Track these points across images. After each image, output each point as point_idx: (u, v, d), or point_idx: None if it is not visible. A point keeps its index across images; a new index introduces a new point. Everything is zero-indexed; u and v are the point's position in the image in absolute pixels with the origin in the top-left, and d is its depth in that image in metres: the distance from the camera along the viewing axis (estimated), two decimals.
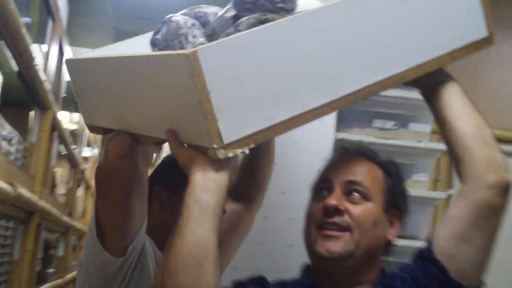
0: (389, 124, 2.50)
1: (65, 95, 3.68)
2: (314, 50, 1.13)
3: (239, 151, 1.04)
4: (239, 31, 1.23)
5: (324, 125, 2.32)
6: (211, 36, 1.36)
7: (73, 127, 5.66)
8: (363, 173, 1.32)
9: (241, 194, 1.75)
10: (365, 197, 1.29)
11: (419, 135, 2.47)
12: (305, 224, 1.32)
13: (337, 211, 1.26)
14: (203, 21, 1.44)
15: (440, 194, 2.41)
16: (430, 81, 1.37)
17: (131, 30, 4.16)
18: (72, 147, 4.28)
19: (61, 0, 3.52)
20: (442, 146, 2.38)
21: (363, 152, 1.38)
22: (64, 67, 2.46)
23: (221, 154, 1.02)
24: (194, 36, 1.34)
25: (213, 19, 1.42)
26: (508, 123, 3.76)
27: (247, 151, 1.04)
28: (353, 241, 1.24)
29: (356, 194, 1.29)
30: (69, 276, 4.55)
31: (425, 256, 1.30)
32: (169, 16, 1.40)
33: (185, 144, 1.11)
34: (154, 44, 1.41)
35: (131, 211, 1.31)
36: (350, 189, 1.29)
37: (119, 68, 1.23)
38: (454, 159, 1.33)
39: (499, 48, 3.81)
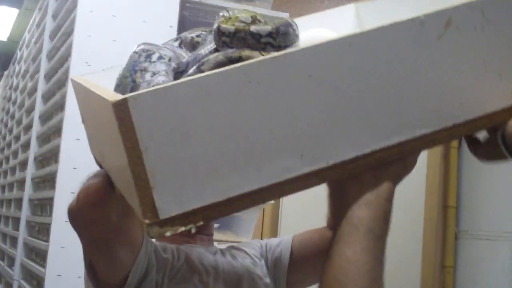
0: None
1: None
2: (300, 102, 0.83)
3: (181, 229, 0.79)
4: (201, 71, 0.97)
5: None
6: (182, 74, 1.08)
7: None
8: None
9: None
10: None
11: None
12: None
13: None
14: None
15: None
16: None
17: None
18: None
19: None
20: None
21: None
22: None
23: (154, 232, 0.77)
24: (154, 74, 1.07)
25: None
26: None
27: (193, 230, 0.80)
28: None
29: None
30: None
31: None
32: (142, 42, 1.17)
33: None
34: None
35: (116, 252, 1.19)
36: None
37: (88, 100, 1.07)
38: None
39: None
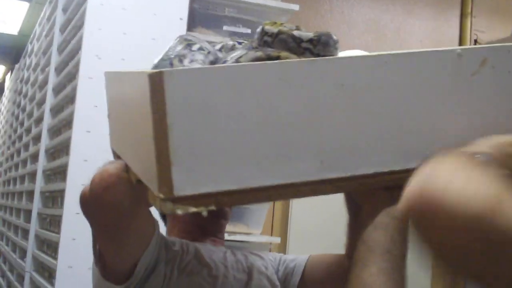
0: None
1: None
2: (328, 109, 0.84)
3: (192, 209, 0.80)
4: (238, 62, 1.02)
5: None
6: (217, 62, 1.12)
7: None
8: None
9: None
10: None
11: None
12: None
13: None
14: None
15: None
16: None
17: None
18: None
19: None
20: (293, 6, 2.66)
21: None
22: None
23: (166, 208, 0.78)
24: (192, 61, 1.10)
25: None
26: None
27: (204, 213, 0.81)
28: None
29: None
30: None
31: None
32: (186, 33, 1.18)
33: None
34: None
35: (126, 239, 1.19)
36: None
37: (120, 88, 1.09)
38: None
39: (341, 5, 3.98)
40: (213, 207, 0.80)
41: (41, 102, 3.67)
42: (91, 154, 2.53)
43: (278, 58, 0.99)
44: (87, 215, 1.18)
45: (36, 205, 3.35)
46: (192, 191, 0.79)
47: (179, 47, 1.13)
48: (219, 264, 1.39)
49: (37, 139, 3.69)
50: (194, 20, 2.77)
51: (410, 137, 0.89)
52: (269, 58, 1.00)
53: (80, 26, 2.78)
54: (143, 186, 0.93)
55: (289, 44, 1.04)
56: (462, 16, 4.28)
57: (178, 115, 0.77)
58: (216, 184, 0.79)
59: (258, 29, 1.08)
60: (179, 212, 0.79)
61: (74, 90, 2.68)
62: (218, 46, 1.19)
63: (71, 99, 2.83)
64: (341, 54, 1.09)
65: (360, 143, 0.86)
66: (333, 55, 1.05)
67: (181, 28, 2.66)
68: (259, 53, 1.02)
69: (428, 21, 4.23)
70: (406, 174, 0.83)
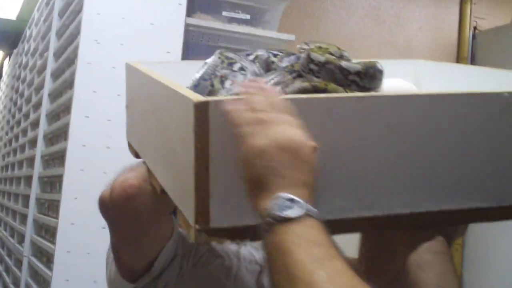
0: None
1: None
2: (371, 146, 0.83)
3: (227, 242, 0.79)
4: (285, 93, 0.98)
5: (171, 57, 2.58)
6: None
7: None
8: None
9: None
10: None
11: None
12: None
13: None
14: (273, 69, 1.16)
15: None
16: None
17: None
18: None
19: None
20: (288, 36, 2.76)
21: None
22: None
23: (201, 238, 0.77)
24: (233, 83, 1.07)
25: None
26: None
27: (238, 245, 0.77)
28: None
29: None
30: None
31: None
32: (221, 50, 1.14)
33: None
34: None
35: (144, 243, 1.19)
36: None
37: (147, 90, 1.08)
38: None
39: None
40: (248, 240, 0.80)
41: (40, 87, 3.66)
42: (89, 139, 2.53)
43: (325, 90, 0.98)
44: (106, 219, 1.18)
45: (35, 190, 3.35)
46: (229, 224, 0.78)
47: (220, 66, 1.11)
48: (232, 255, 1.39)
49: (35, 124, 3.69)
50: (193, 5, 2.76)
51: (450, 178, 0.88)
52: (316, 89, 0.98)
53: (78, 11, 2.77)
54: (168, 197, 0.93)
55: (335, 75, 1.02)
56: (462, 2, 4.27)
57: (221, 146, 0.77)
58: (254, 218, 0.76)
59: (304, 54, 1.06)
60: (214, 244, 0.76)
61: (72, 75, 2.67)
62: (251, 57, 1.18)
63: (69, 84, 2.82)
64: (385, 82, 1.08)
65: (399, 183, 0.86)
66: (378, 87, 1.05)
67: (180, 13, 2.65)
68: (305, 84, 1.00)
69: (428, 7, 4.21)
70: (441, 215, 0.88)
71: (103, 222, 2.65)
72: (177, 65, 1.37)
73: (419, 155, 0.86)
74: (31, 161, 3.67)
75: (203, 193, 0.76)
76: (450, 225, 0.93)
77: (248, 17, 2.81)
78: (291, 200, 0.72)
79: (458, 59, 4.21)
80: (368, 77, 1.03)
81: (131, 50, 2.61)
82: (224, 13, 2.79)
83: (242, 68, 1.10)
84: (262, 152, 0.74)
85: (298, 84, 1.01)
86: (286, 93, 0.98)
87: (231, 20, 2.81)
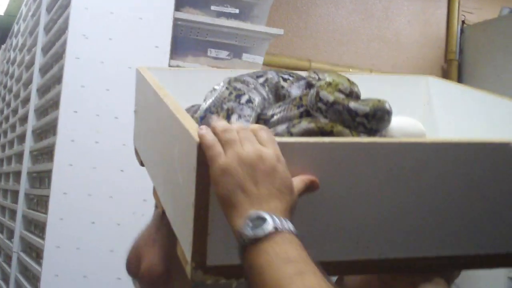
0: (223, 53, 2.71)
1: None
2: (373, 191, 0.84)
3: (222, 280, 0.79)
4: (290, 133, 1.00)
5: (159, 52, 2.52)
6: (266, 122, 1.06)
7: None
8: None
9: None
10: None
11: (252, 65, 2.65)
12: None
13: None
14: (282, 94, 1.16)
15: None
16: None
17: None
18: None
19: None
20: None
21: None
22: None
23: (197, 276, 0.78)
24: (240, 117, 1.05)
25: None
26: (335, 58, 3.99)
27: (234, 285, 0.81)
28: None
29: None
30: None
31: None
32: (231, 78, 1.13)
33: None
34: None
35: None
36: None
37: (155, 107, 1.07)
38: None
39: None
40: (243, 279, 0.79)
41: (28, 83, 3.65)
42: (78, 134, 2.53)
43: (331, 133, 0.99)
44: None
45: (23, 186, 3.34)
46: (226, 262, 0.78)
47: (227, 98, 1.09)
48: None
49: (24, 119, 3.67)
50: (182, 0, 2.75)
51: (447, 225, 0.89)
52: (322, 132, 0.99)
53: (66, 6, 2.76)
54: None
55: (343, 116, 1.01)
56: None
57: None
58: None
59: (313, 91, 1.05)
60: (209, 282, 0.78)
61: (61, 70, 2.66)
62: (261, 80, 1.17)
63: (58, 79, 2.81)
64: (394, 121, 1.07)
65: (397, 228, 0.87)
66: (385, 128, 1.05)
67: (169, 6, 2.65)
68: (312, 125, 1.00)
69: (416, 1, 4.23)
70: (439, 261, 0.89)
71: (92, 217, 2.66)
72: (185, 73, 1.37)
73: (420, 201, 0.86)
74: (19, 156, 3.66)
75: (201, 231, 0.77)
76: (447, 270, 0.96)
77: (236, 11, 2.81)
78: (260, 217, 0.72)
79: (446, 53, 4.23)
80: (376, 119, 1.02)
81: (119, 45, 2.61)
82: (213, 7, 2.79)
83: (249, 101, 1.09)
84: (225, 169, 0.75)
85: (305, 125, 1.01)
86: (292, 134, 1.00)
87: (219, 14, 2.80)
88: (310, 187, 0.79)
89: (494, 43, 3.99)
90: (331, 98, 1.02)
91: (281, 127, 1.03)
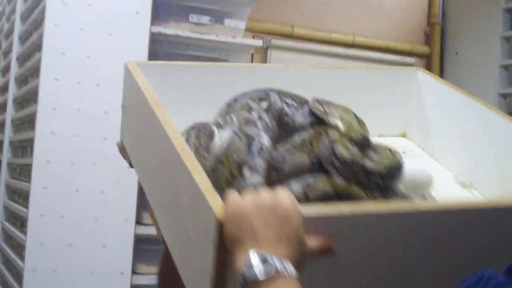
0: (205, 19, 2.70)
1: None
2: (386, 257, 0.86)
3: None
4: (307, 197, 0.99)
5: (140, 18, 2.50)
6: (277, 171, 1.05)
7: None
8: None
9: None
10: None
11: (234, 31, 2.66)
12: None
13: None
14: (285, 122, 1.17)
15: None
16: None
17: None
18: None
19: None
20: (255, 42, 2.71)
21: None
22: None
23: None
24: (252, 170, 1.04)
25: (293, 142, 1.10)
26: (317, 23, 4.03)
27: None
28: None
29: None
30: None
31: None
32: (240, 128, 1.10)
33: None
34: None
35: None
36: None
37: (148, 119, 1.05)
38: None
39: None
40: None
41: (8, 51, 3.60)
42: (59, 102, 2.51)
43: (347, 195, 0.99)
44: None
45: (6, 155, 3.33)
46: None
47: (237, 146, 1.06)
48: None
49: (4, 89, 3.64)
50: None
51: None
52: (338, 195, 0.99)
53: None
54: None
55: (358, 175, 1.02)
56: None
57: None
58: None
59: (327, 142, 1.05)
60: None
61: (40, 37, 2.63)
62: (264, 105, 1.16)
63: (37, 47, 2.78)
64: (407, 164, 1.08)
65: None
66: (398, 182, 1.07)
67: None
68: (328, 190, 1.00)
69: None
70: None
71: (76, 185, 2.64)
72: (176, 68, 1.35)
73: (429, 267, 0.88)
74: (1, 126, 3.63)
75: None
76: None
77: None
78: (263, 259, 0.72)
79: (429, 17, 4.22)
80: (391, 178, 1.05)
81: (99, 11, 2.58)
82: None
83: (260, 148, 1.07)
84: (240, 210, 0.76)
85: (321, 189, 1.00)
86: (309, 197, 0.99)
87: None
88: (325, 250, 0.80)
89: (478, 8, 3.98)
90: (348, 157, 1.03)
91: (295, 186, 1.02)
